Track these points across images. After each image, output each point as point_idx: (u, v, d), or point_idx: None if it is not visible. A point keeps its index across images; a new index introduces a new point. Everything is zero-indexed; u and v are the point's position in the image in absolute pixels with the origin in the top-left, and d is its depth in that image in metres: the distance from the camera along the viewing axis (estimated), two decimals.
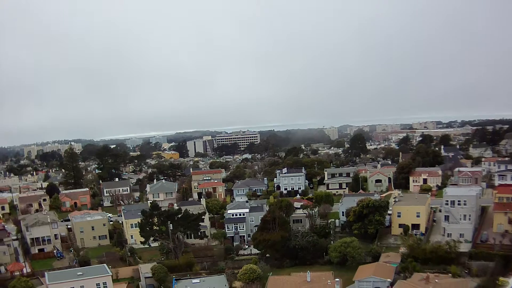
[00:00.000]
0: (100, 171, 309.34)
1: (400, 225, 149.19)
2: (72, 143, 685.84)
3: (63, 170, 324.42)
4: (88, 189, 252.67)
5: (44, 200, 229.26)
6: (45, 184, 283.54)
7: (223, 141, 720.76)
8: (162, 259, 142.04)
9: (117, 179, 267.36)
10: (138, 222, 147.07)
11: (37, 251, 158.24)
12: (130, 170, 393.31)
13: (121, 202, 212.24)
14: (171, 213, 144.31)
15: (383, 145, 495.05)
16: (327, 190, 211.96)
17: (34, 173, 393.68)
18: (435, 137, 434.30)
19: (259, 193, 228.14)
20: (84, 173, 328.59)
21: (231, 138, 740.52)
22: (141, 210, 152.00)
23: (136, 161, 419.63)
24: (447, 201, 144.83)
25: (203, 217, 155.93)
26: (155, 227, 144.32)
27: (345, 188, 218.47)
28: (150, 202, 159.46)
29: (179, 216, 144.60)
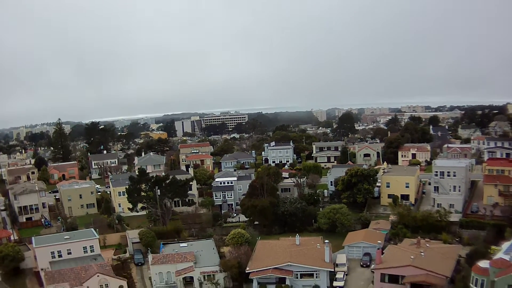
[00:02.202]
0: (88, 146, 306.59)
1: (389, 196, 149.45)
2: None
3: (52, 148, 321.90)
4: (76, 161, 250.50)
5: (33, 173, 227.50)
6: (33, 161, 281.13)
7: (211, 122, 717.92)
8: (150, 226, 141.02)
9: (105, 152, 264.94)
10: (126, 188, 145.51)
11: (24, 220, 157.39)
12: (119, 148, 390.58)
13: (109, 174, 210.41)
14: (158, 178, 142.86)
15: (371, 126, 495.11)
16: (316, 163, 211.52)
17: (23, 151, 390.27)
18: (423, 119, 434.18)
19: (247, 166, 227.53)
20: (72, 150, 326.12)
21: (219, 119, 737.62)
22: (129, 176, 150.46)
23: (124, 140, 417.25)
24: (436, 172, 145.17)
25: (191, 183, 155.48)
26: (143, 193, 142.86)
27: (334, 162, 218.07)
28: (138, 168, 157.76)
29: (167, 182, 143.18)
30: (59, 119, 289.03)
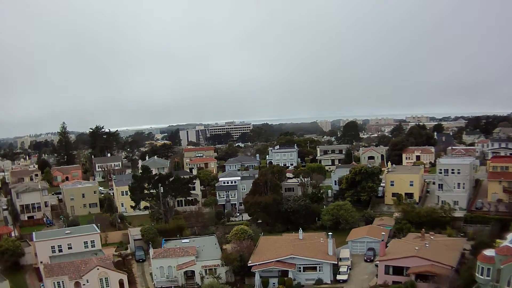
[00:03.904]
0: (92, 150, 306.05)
1: (394, 194, 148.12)
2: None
3: (56, 155, 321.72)
4: (80, 164, 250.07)
5: (36, 175, 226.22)
6: (37, 166, 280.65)
7: (216, 131, 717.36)
8: (152, 224, 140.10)
9: (109, 155, 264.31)
10: (129, 186, 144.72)
11: (26, 218, 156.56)
12: (123, 156, 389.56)
13: (113, 176, 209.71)
14: (162, 176, 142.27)
15: (376, 135, 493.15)
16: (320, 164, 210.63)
17: (27, 157, 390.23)
18: (428, 128, 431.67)
19: (251, 169, 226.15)
20: (76, 157, 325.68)
21: (224, 128, 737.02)
22: (132, 174, 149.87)
23: (129, 148, 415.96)
24: (440, 169, 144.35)
25: (194, 181, 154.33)
26: (146, 191, 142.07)
27: (338, 164, 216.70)
28: (142, 166, 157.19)
29: (170, 180, 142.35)
30: (64, 122, 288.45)
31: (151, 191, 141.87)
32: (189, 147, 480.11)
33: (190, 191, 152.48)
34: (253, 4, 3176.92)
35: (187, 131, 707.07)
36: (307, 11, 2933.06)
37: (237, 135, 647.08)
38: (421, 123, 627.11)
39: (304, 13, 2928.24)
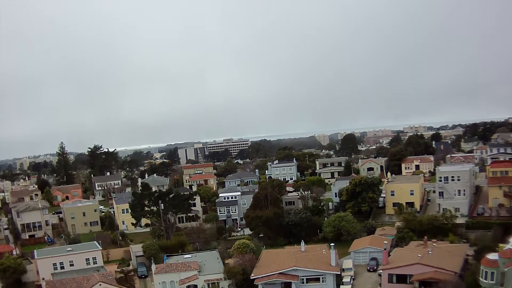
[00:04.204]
0: (92, 170, 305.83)
1: (394, 204, 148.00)
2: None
3: (55, 175, 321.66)
4: (79, 184, 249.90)
5: (36, 195, 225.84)
6: (37, 186, 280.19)
7: (214, 149, 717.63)
8: (154, 241, 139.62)
9: (108, 173, 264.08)
10: (129, 203, 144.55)
11: (27, 237, 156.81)
12: (122, 176, 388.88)
13: (113, 195, 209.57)
14: (162, 193, 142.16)
15: (374, 147, 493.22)
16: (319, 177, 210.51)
17: (26, 178, 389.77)
18: (426, 137, 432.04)
19: (251, 185, 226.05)
20: (75, 176, 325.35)
21: (222, 146, 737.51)
22: (132, 192, 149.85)
23: (128, 167, 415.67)
24: (440, 177, 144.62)
25: (194, 197, 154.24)
26: (146, 208, 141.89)
27: (338, 177, 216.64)
28: (141, 183, 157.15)
29: (170, 196, 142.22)
30: (62, 142, 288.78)
31: (152, 208, 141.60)
32: (188, 164, 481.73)
33: (191, 207, 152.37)
34: (247, 19, 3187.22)
35: (186, 150, 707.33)
36: (303, 23, 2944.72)
37: (235, 152, 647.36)
38: (419, 133, 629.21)
39: (300, 25, 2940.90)
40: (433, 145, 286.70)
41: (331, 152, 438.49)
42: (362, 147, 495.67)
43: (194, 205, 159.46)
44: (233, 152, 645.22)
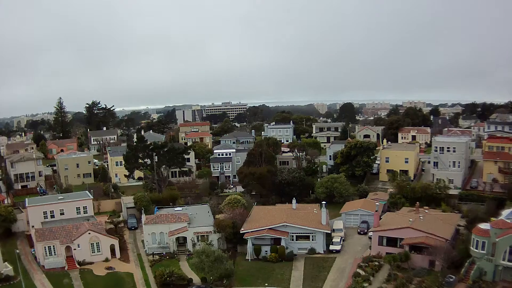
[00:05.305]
0: (89, 125, 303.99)
1: (388, 171, 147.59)
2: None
3: (51, 131, 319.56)
4: (75, 137, 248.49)
5: (32, 148, 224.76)
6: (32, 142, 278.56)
7: (213, 111, 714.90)
8: (146, 194, 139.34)
9: (104, 128, 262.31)
10: (124, 154, 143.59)
11: (20, 187, 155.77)
12: (119, 134, 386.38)
13: (108, 149, 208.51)
14: (156, 145, 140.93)
15: (372, 118, 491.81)
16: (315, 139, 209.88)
17: (23, 134, 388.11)
18: (425, 112, 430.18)
19: (246, 144, 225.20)
20: (72, 133, 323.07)
21: (221, 109, 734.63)
22: (127, 144, 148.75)
23: (124, 126, 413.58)
24: (436, 147, 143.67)
25: (188, 151, 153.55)
26: (140, 160, 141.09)
27: (334, 141, 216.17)
28: (136, 135, 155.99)
29: (165, 149, 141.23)
30: (60, 97, 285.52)
31: (146, 160, 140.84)
32: (184, 122, 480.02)
33: (185, 162, 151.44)
34: None
35: (183, 111, 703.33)
36: None
37: (233, 115, 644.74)
38: (417, 108, 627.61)
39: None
40: (431, 119, 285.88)
41: (329, 120, 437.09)
42: (360, 118, 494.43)
43: (188, 160, 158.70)
44: (231, 116, 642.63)
